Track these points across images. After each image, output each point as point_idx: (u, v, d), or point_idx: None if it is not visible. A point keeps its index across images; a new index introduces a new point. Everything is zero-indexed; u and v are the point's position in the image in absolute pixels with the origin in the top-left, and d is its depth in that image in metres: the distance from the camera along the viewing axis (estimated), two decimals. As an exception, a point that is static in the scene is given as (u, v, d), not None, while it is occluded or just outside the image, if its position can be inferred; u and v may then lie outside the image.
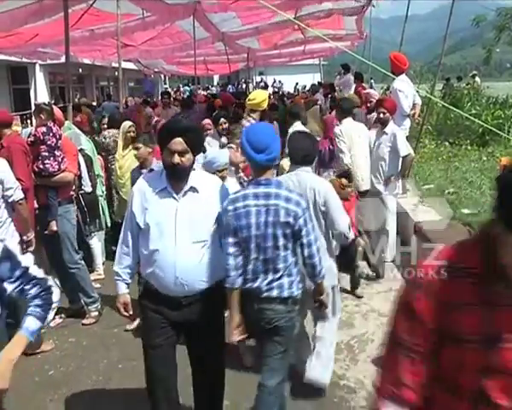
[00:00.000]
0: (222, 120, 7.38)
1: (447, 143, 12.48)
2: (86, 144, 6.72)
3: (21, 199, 4.64)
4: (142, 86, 31.18)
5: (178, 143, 2.98)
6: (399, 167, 6.60)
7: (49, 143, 5.27)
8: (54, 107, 5.91)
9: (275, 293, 3.18)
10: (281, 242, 3.13)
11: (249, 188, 3.25)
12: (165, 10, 9.43)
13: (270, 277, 3.17)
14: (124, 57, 12.88)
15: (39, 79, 20.75)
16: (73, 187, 5.67)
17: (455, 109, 9.91)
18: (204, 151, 4.53)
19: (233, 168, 5.51)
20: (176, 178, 3.05)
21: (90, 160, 6.65)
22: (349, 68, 14.87)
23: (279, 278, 3.18)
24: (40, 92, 20.55)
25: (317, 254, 3.24)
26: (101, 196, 6.91)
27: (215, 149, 6.19)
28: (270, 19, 12.57)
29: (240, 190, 3.40)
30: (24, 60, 16.19)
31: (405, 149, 6.51)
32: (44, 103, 5.69)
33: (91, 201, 6.37)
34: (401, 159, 6.56)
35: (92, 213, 6.42)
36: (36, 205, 5.38)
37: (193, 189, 3.08)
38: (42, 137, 5.24)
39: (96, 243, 6.67)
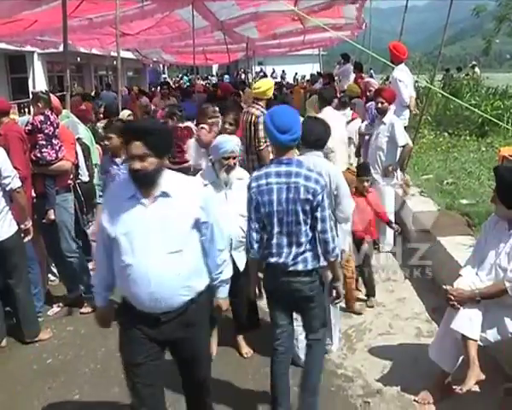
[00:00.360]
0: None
1: (446, 134, 12.48)
2: (84, 133, 6.70)
3: (19, 187, 4.63)
4: (143, 76, 31.18)
5: (137, 146, 2.70)
6: (397, 157, 6.58)
7: (46, 131, 5.24)
8: (51, 95, 5.88)
9: (300, 266, 3.39)
10: (301, 217, 3.33)
11: (271, 167, 3.42)
12: (162, -1, 9.40)
13: (295, 251, 3.37)
14: (122, 46, 12.85)
15: (37, 67, 20.67)
16: (71, 176, 5.65)
17: (454, 99, 9.89)
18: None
19: (203, 150, 5.90)
20: (140, 185, 2.78)
21: (88, 149, 6.63)
22: (349, 58, 14.81)
23: (303, 252, 3.38)
24: (38, 81, 20.47)
25: (329, 230, 3.37)
26: (99, 185, 6.87)
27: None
28: (269, 3, 12.48)
29: (262, 168, 3.53)
30: (22, 49, 16.12)
31: (403, 138, 6.49)
32: (42, 92, 5.65)
33: (89, 190, 6.33)
34: (399, 149, 6.54)
35: (89, 202, 6.39)
36: (33, 194, 5.37)
37: (164, 194, 2.81)
38: (39, 126, 5.22)
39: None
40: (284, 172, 3.34)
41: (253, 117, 6.18)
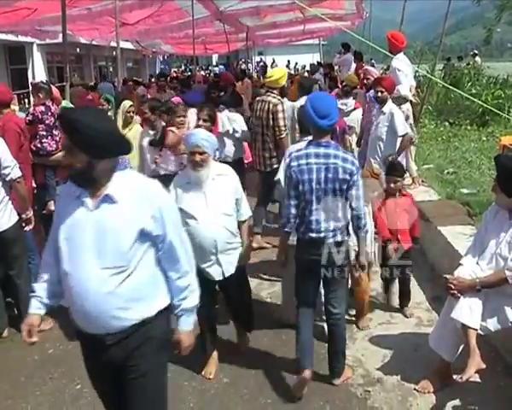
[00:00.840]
0: (212, 91, 7.36)
1: (447, 123, 12.45)
2: None
3: (19, 177, 4.62)
4: (142, 66, 31.09)
5: (65, 139, 2.47)
6: (397, 147, 6.52)
7: (47, 122, 5.25)
8: (52, 87, 5.87)
9: (338, 238, 3.74)
10: (338, 195, 3.66)
11: (310, 148, 3.72)
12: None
13: (333, 225, 3.71)
14: (122, 37, 12.80)
15: (37, 58, 20.59)
16: None
17: (455, 89, 9.84)
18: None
19: (168, 152, 5.73)
20: (76, 183, 2.43)
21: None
22: (349, 47, 14.75)
23: (339, 226, 3.74)
24: (38, 72, 20.40)
25: (362, 207, 3.75)
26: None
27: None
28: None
29: (302, 148, 3.79)
30: (21, 39, 16.05)
31: (403, 128, 6.43)
32: (42, 82, 5.66)
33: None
34: (399, 139, 6.48)
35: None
36: (34, 184, 5.37)
37: (108, 198, 2.41)
38: (40, 117, 5.22)
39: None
40: (323, 153, 3.65)
41: (271, 105, 6.28)
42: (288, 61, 33.53)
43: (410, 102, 7.94)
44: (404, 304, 5.08)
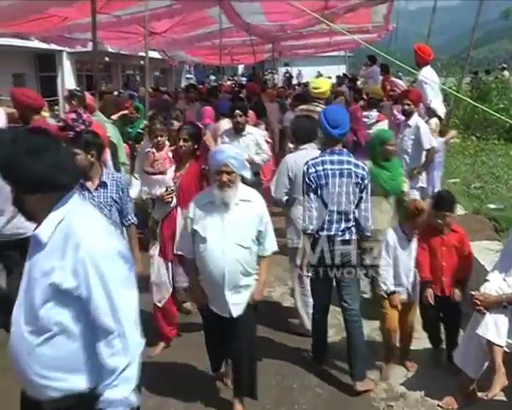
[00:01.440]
0: (237, 111, 6.27)
1: (474, 138, 12.35)
2: (111, 132, 6.79)
3: None
4: (169, 76, 31.41)
5: None
6: (422, 160, 6.45)
7: (77, 129, 5.33)
8: (86, 93, 5.98)
9: (347, 236, 4.07)
10: (351, 197, 4.03)
11: (326, 156, 4.10)
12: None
13: (344, 225, 4.06)
14: (149, 46, 12.92)
15: (66, 66, 20.96)
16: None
17: (480, 106, 9.74)
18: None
19: (156, 177, 5.38)
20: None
21: (115, 147, 6.71)
22: (375, 60, 14.70)
23: (350, 226, 4.08)
24: (67, 80, 20.77)
25: (370, 209, 4.12)
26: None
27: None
28: (295, 18, 12.54)
29: (318, 156, 4.17)
30: (51, 47, 16.35)
31: (429, 141, 6.37)
32: (77, 90, 5.79)
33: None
34: (424, 152, 6.41)
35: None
36: None
37: (36, 239, 2.11)
38: (71, 124, 5.31)
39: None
40: (337, 160, 4.05)
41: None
42: (318, 72, 33.52)
43: (439, 117, 7.86)
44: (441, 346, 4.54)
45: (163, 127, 5.57)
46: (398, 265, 4.25)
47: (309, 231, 4.05)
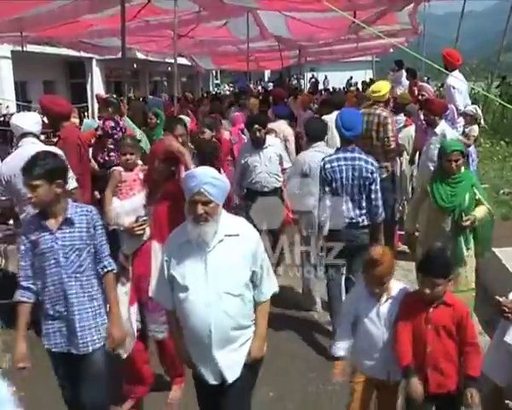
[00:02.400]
0: (256, 126, 5.85)
1: (503, 143, 12.18)
2: (140, 137, 6.89)
3: (74, 188, 4.80)
4: (195, 82, 31.65)
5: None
6: None
7: (115, 136, 5.45)
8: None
9: (361, 222, 4.72)
10: (362, 189, 4.68)
11: (340, 153, 4.76)
12: (220, 8, 9.56)
13: (358, 212, 4.72)
14: (178, 50, 13.07)
15: (96, 73, 21.33)
16: None
17: (510, 106, 9.61)
18: None
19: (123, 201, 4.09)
20: None
21: (144, 153, 6.81)
22: (402, 65, 14.61)
23: (362, 213, 4.72)
24: (96, 87, 21.12)
25: (380, 199, 4.74)
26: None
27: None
28: (322, 32, 12.61)
29: (333, 154, 4.82)
30: (81, 54, 16.66)
31: None
32: (113, 97, 5.90)
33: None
34: None
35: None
36: (98, 196, 5.55)
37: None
38: (110, 132, 5.43)
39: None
40: (350, 157, 4.70)
41: (382, 118, 6.50)
42: (351, 77, 33.42)
43: (479, 123, 7.77)
44: None
45: (133, 142, 4.36)
46: (366, 331, 3.24)
47: (322, 219, 4.73)
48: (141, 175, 4.18)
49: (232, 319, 2.82)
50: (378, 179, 4.75)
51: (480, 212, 4.51)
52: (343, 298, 4.77)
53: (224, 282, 2.80)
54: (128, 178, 4.17)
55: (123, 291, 3.78)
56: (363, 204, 4.71)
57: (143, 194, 4.03)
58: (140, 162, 4.26)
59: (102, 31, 12.05)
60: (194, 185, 2.75)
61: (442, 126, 6.37)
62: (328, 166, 4.70)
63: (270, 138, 6.15)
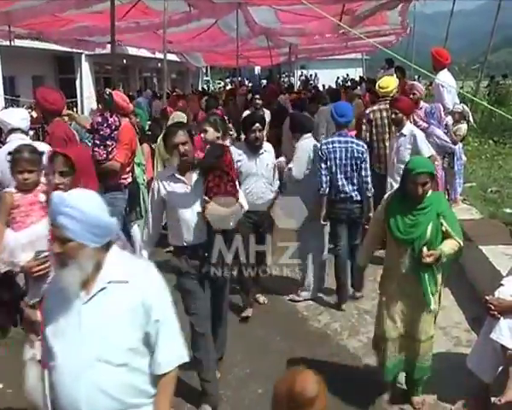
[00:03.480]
0: (257, 125, 5.20)
1: (491, 141, 12.25)
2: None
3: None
4: (185, 78, 31.57)
5: None
6: None
7: (101, 132, 5.44)
8: (120, 94, 6.11)
9: (355, 197, 5.44)
10: (354, 167, 5.41)
11: (335, 137, 5.53)
12: (210, 7, 9.56)
13: (351, 188, 5.44)
14: (167, 49, 13.08)
15: (85, 69, 21.20)
16: (123, 176, 5.78)
17: (496, 110, 9.66)
18: None
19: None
20: None
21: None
22: (393, 63, 14.64)
23: (355, 189, 5.44)
24: (85, 82, 21.00)
25: (369, 176, 5.46)
26: (143, 184, 7.00)
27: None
28: (311, 21, 12.60)
29: (329, 137, 5.77)
30: (70, 49, 16.55)
31: (427, 149, 6.17)
32: (106, 93, 5.86)
33: (132, 189, 6.43)
34: None
35: (133, 201, 6.49)
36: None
37: None
38: (96, 127, 5.43)
39: (137, 231, 6.77)
40: (343, 140, 5.46)
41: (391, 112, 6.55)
42: (347, 75, 33.52)
43: (467, 121, 7.78)
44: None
45: (33, 156, 3.44)
46: None
47: (321, 192, 5.37)
48: (42, 197, 3.35)
49: (110, 397, 2.04)
50: (368, 159, 5.52)
51: (447, 245, 3.64)
52: (348, 272, 5.59)
53: (99, 346, 2.04)
54: (23, 201, 3.32)
55: (30, 356, 3.06)
56: (355, 181, 5.43)
57: (46, 221, 2.96)
58: (43, 180, 3.42)
59: (92, 28, 12.01)
60: (49, 213, 2.12)
61: (410, 127, 6.26)
62: (324, 147, 5.45)
63: (266, 143, 5.52)
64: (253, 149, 5.24)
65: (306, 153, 5.68)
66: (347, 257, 5.58)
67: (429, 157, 6.06)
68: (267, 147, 5.43)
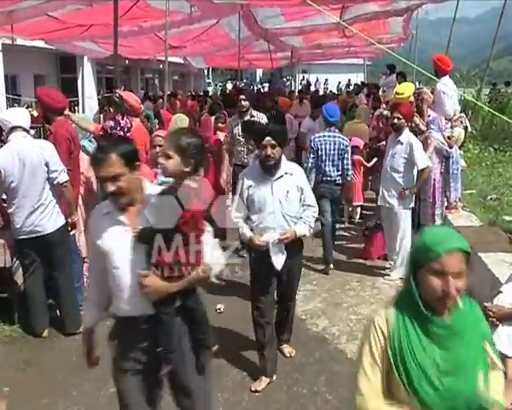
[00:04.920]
0: (267, 139, 4.00)
1: (491, 149, 12.25)
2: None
3: (66, 182, 4.78)
4: (187, 80, 31.58)
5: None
6: (415, 180, 6.19)
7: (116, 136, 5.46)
8: (131, 95, 6.13)
9: (337, 181, 6.68)
10: (339, 156, 6.59)
11: (325, 132, 6.71)
12: (211, 8, 9.55)
13: (336, 173, 6.64)
14: (169, 53, 13.10)
15: (87, 69, 21.18)
16: None
17: (500, 115, 9.69)
18: None
19: None
20: None
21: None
22: (394, 69, 14.70)
23: (338, 174, 6.65)
24: (87, 82, 20.99)
25: (350, 164, 6.76)
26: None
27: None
28: (314, 16, 12.54)
29: (320, 132, 6.91)
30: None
31: (424, 160, 6.12)
32: (116, 96, 5.88)
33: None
34: (417, 171, 6.15)
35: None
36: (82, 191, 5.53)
37: None
38: (109, 132, 5.45)
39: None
40: (332, 135, 6.64)
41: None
42: (349, 80, 33.54)
43: (465, 127, 7.78)
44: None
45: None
46: None
47: (311, 179, 6.28)
48: None
49: None
50: (350, 151, 6.80)
51: (498, 391, 2.06)
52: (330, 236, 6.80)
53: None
54: None
55: None
56: (339, 168, 6.60)
57: None
58: None
59: (95, 34, 12.05)
60: None
61: (407, 135, 6.19)
62: (316, 140, 6.66)
63: (287, 162, 4.22)
64: (267, 170, 4.10)
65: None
66: (330, 225, 6.77)
67: (423, 169, 6.08)
68: (289, 167, 4.20)
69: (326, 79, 35.86)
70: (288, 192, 4.08)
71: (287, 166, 4.15)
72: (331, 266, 6.75)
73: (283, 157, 4.14)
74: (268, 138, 3.97)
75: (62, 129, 5.23)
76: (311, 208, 4.23)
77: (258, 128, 4.62)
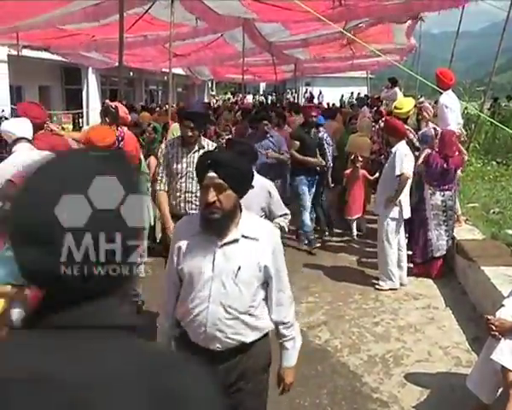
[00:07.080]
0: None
1: (494, 163, 12.27)
2: None
3: None
4: (191, 92, 31.72)
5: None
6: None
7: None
8: (121, 107, 6.24)
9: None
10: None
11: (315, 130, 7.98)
12: (216, 20, 9.63)
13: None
14: (173, 65, 13.18)
15: (91, 80, 21.34)
16: None
17: (504, 128, 9.71)
18: None
19: None
20: None
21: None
22: (396, 82, 14.77)
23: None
24: (92, 94, 21.13)
25: (329, 155, 8.18)
26: (146, 193, 7.03)
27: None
28: (318, 30, 12.64)
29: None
30: (77, 61, 16.70)
31: (400, 167, 6.07)
32: (111, 107, 5.94)
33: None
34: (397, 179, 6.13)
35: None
36: None
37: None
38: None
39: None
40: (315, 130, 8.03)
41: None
42: (352, 93, 33.62)
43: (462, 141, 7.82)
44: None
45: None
46: None
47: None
48: None
49: None
50: (331, 144, 8.30)
51: None
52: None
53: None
54: None
55: None
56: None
57: None
58: None
59: (100, 44, 12.14)
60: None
61: (397, 146, 6.25)
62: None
63: (250, 219, 2.60)
64: (208, 229, 2.49)
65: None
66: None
67: (400, 175, 6.04)
68: (255, 228, 2.56)
69: (320, 91, 35.88)
70: (239, 269, 2.45)
71: (249, 224, 2.53)
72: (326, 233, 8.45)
73: (245, 211, 2.55)
74: (211, 174, 2.39)
75: (42, 143, 5.16)
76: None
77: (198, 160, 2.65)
